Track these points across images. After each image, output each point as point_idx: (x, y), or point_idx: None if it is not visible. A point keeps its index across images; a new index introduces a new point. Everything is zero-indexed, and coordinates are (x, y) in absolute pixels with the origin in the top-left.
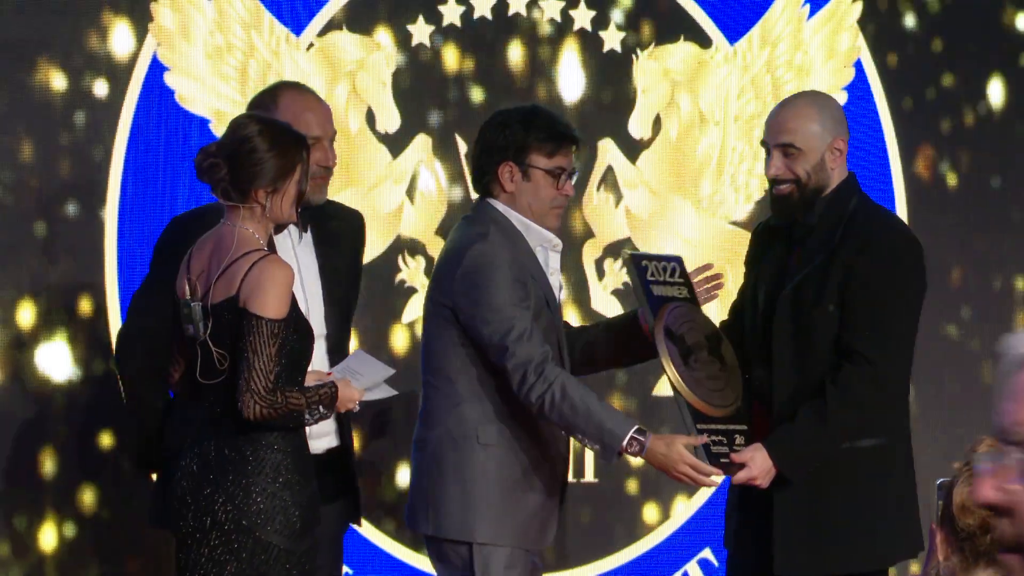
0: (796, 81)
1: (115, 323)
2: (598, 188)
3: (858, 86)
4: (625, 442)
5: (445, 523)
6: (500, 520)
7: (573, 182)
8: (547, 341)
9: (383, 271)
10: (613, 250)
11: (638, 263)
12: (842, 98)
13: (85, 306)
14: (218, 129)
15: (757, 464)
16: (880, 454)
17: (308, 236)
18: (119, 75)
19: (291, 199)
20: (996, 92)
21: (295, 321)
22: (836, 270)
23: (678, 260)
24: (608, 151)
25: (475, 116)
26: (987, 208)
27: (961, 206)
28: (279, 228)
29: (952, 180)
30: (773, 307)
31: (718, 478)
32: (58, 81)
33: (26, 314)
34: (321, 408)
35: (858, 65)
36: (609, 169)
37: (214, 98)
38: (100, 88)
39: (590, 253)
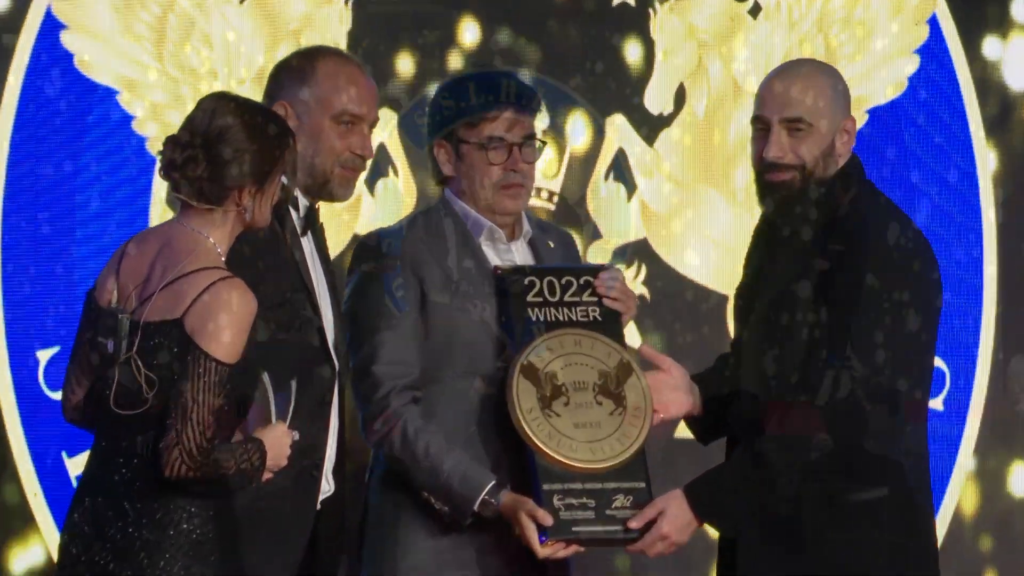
0: (854, 43)
1: None
2: (606, 177)
3: (933, 48)
4: (476, 506)
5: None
6: (391, 555)
7: (539, 154)
8: (446, 346)
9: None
10: (624, 254)
11: (518, 282)
12: (914, 63)
13: None
14: (128, 103)
15: (669, 517)
16: (877, 508)
17: (310, 242)
18: (3, 35)
19: (273, 199)
20: None
21: (244, 362)
22: (820, 277)
23: (591, 271)
24: (619, 130)
25: None
26: None
27: None
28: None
29: None
30: (753, 324)
31: (547, 550)
32: None
33: None
34: (249, 470)
35: (933, 21)
36: (620, 153)
37: (123, 64)
38: None
39: (596, 258)
